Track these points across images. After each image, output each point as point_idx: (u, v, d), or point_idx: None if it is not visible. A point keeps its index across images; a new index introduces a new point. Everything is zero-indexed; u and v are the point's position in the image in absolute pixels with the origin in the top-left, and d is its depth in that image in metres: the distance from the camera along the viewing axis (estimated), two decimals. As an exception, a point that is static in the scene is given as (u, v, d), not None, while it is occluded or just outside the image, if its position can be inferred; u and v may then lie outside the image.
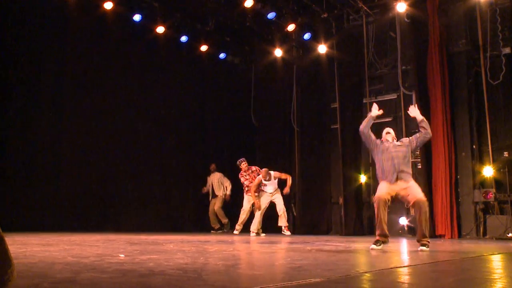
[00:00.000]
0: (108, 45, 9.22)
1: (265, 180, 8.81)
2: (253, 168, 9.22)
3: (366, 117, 5.40)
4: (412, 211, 9.48)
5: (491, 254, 4.42)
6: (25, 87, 8.03)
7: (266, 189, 8.88)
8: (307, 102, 11.24)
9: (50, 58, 8.43)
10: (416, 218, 4.98)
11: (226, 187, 10.09)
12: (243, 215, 9.00)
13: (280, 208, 8.80)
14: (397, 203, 9.65)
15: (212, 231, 9.93)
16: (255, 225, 8.74)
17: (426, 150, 8.84)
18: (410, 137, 5.31)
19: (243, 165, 9.15)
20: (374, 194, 5.18)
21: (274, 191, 8.87)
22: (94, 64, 9.03)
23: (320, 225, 10.49)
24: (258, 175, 8.91)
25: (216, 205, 9.98)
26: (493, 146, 8.72)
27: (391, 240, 7.19)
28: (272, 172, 8.88)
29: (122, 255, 3.22)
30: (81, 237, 6.00)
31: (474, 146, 9.02)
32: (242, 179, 9.17)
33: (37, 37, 8.22)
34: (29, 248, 3.77)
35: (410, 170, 5.09)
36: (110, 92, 9.29)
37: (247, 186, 9.01)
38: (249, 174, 9.11)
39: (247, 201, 8.99)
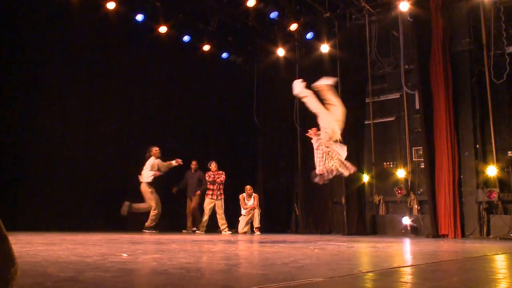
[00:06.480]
0: (111, 45, 9.23)
1: (248, 195, 9.67)
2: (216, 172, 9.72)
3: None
4: (415, 211, 9.48)
5: (495, 254, 4.40)
6: (27, 88, 8.04)
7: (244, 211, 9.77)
8: (310, 101, 11.20)
9: (52, 58, 8.43)
10: None
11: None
12: (205, 217, 9.53)
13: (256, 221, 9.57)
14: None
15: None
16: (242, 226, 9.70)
17: (429, 150, 8.81)
18: None
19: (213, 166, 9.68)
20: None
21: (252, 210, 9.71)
22: (97, 64, 9.03)
23: (323, 224, 10.49)
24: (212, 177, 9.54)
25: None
26: (497, 146, 8.68)
27: (393, 240, 7.18)
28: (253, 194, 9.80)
29: (125, 255, 3.22)
30: (84, 236, 6.01)
31: (477, 146, 8.97)
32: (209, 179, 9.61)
33: (39, 37, 8.22)
34: (32, 247, 3.77)
35: None
36: (112, 92, 9.31)
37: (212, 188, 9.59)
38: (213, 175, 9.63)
39: (208, 203, 9.56)
